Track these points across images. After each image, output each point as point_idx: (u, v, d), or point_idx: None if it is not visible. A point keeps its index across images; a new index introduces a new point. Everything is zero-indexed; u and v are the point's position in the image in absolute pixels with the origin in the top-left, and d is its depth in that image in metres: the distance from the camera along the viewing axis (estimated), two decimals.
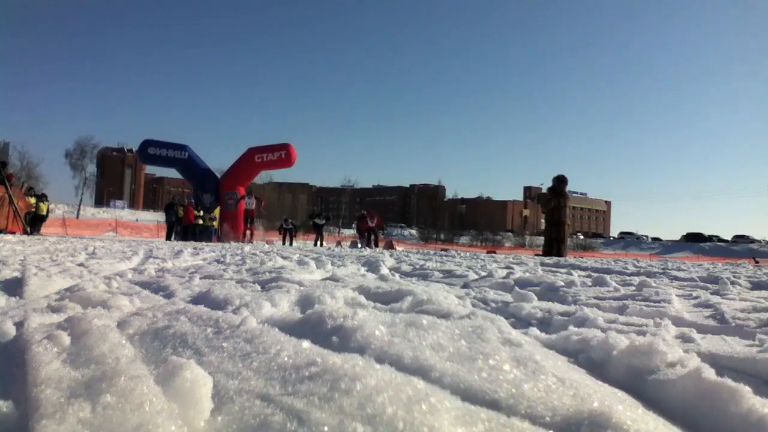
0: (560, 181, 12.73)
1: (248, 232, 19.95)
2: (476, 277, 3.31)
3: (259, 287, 2.24)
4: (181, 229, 19.09)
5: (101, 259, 4.11)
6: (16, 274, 2.70)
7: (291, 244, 21.96)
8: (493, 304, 2.07)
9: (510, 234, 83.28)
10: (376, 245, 21.28)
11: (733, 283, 3.22)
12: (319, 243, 22.16)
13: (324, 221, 23.69)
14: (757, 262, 18.86)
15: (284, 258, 4.87)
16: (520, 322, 1.74)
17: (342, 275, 3.02)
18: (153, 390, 0.71)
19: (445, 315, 1.36)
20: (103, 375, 0.76)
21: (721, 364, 1.13)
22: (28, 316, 1.32)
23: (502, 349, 0.96)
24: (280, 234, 23.69)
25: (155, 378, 0.76)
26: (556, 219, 12.51)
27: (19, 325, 1.24)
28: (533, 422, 0.71)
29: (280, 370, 0.83)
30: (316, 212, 24.74)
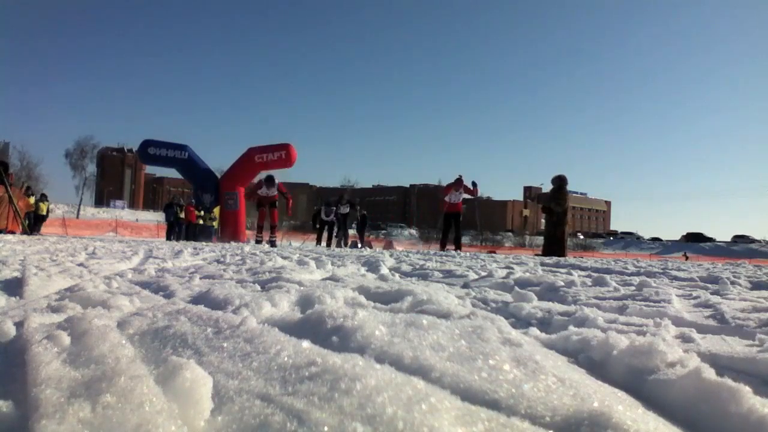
0: (563, 181, 12.66)
1: (263, 230, 13.76)
2: (476, 277, 3.30)
3: (259, 287, 2.24)
4: (180, 228, 19.10)
5: (101, 259, 4.11)
6: (16, 274, 2.70)
7: (340, 244, 15.14)
8: (493, 304, 2.07)
9: (510, 234, 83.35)
10: (458, 246, 12.78)
11: (733, 283, 3.22)
12: (342, 242, 15.72)
13: (348, 209, 15.83)
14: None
15: (284, 258, 4.87)
16: (520, 322, 1.74)
17: (342, 275, 3.02)
18: (153, 390, 0.71)
19: (445, 315, 1.36)
20: (103, 375, 0.76)
21: (721, 364, 1.13)
22: (28, 316, 1.31)
23: (502, 349, 0.96)
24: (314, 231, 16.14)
25: (155, 378, 0.76)
26: (560, 219, 12.44)
27: (19, 325, 1.23)
28: (533, 422, 0.71)
29: (280, 370, 0.83)
30: (336, 198, 16.52)
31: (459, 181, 12.99)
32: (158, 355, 0.98)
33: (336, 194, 16.44)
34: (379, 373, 0.77)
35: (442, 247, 13.04)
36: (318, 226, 16.56)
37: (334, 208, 16.15)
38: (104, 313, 1.38)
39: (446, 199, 13.13)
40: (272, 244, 13.17)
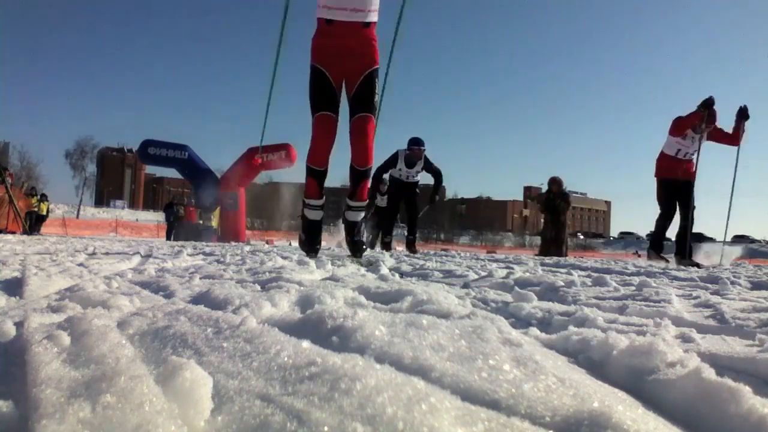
0: (559, 184, 12.69)
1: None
2: (476, 277, 3.30)
3: (259, 287, 2.23)
4: (181, 228, 19.12)
5: (101, 259, 4.11)
6: (16, 274, 2.70)
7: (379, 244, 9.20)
8: (493, 304, 2.07)
9: (510, 234, 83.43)
10: (686, 250, 6.41)
11: (733, 283, 3.22)
12: (380, 243, 9.68)
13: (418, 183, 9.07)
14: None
15: (284, 258, 4.87)
16: (520, 322, 1.74)
17: (342, 275, 3.02)
18: (153, 390, 0.71)
19: (445, 315, 1.36)
20: (103, 375, 0.76)
21: (721, 364, 1.13)
22: (28, 316, 1.32)
23: (502, 349, 0.96)
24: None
25: (155, 378, 0.76)
26: (561, 220, 12.45)
27: (19, 325, 1.24)
28: (533, 422, 0.71)
29: (280, 370, 0.83)
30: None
31: (709, 105, 6.50)
32: (158, 355, 0.98)
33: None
34: (379, 373, 0.77)
35: (659, 250, 6.98)
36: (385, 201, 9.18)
37: (416, 167, 8.74)
38: (104, 313, 1.38)
39: (676, 141, 6.58)
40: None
